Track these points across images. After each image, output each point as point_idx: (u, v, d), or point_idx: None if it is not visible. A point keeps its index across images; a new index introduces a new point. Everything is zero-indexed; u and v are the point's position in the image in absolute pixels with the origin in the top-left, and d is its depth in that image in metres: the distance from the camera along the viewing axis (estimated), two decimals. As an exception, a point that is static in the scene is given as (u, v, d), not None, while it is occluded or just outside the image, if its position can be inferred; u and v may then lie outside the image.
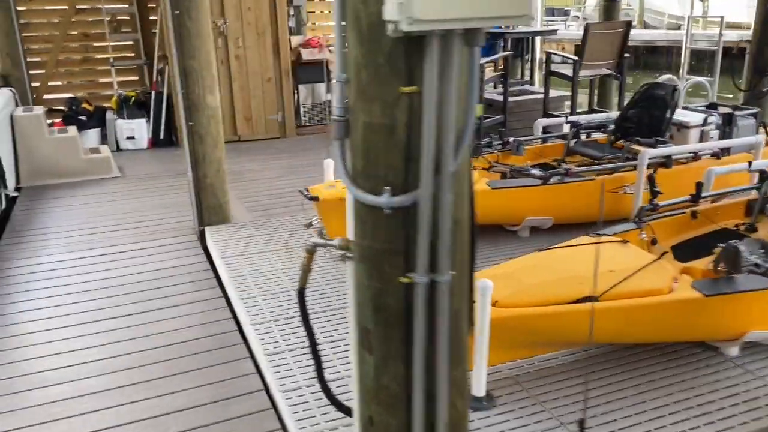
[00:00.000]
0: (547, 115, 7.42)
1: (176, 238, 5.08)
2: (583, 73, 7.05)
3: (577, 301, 2.96)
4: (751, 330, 3.21)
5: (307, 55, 8.51)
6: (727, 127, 5.43)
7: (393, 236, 1.55)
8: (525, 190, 4.61)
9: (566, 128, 5.74)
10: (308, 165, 6.99)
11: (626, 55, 7.21)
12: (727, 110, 5.61)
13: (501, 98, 7.35)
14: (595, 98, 8.43)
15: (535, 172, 4.96)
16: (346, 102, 1.57)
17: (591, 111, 7.62)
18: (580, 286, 3.01)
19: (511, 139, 5.40)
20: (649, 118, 5.36)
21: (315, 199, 4.32)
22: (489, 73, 7.76)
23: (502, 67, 7.59)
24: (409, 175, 1.50)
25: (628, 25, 7.07)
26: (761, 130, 5.57)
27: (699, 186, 4.02)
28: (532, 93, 8.20)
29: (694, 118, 5.35)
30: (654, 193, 3.93)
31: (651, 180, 3.95)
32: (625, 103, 8.12)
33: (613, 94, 8.87)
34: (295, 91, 8.43)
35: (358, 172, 1.57)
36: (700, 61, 11.42)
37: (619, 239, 3.56)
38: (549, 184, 4.64)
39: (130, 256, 4.74)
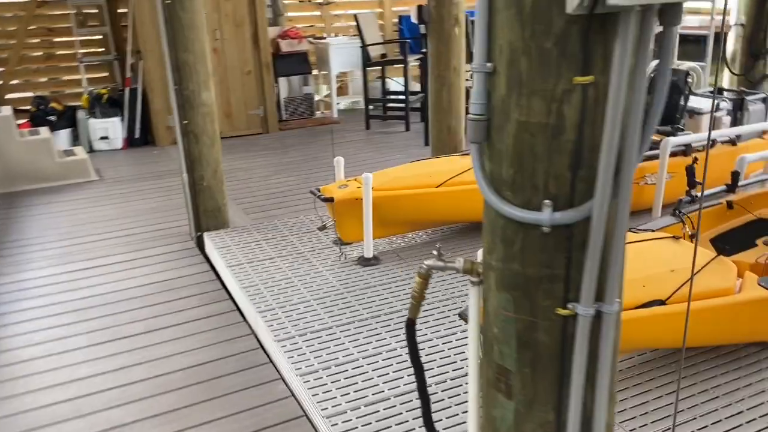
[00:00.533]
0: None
1: (171, 246, 4.70)
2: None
3: (644, 305, 2.77)
4: None
5: (286, 46, 8.13)
6: (738, 112, 5.31)
7: (551, 260, 1.27)
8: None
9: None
10: (299, 161, 6.66)
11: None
12: (735, 95, 5.49)
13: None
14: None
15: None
16: (488, 98, 1.29)
17: None
18: (644, 289, 2.82)
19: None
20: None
21: (329, 200, 4.02)
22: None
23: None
24: (577, 185, 1.23)
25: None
26: (771, 114, 5.47)
27: (735, 175, 3.85)
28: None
29: (706, 104, 5.20)
30: (693, 184, 3.75)
31: (690, 171, 3.76)
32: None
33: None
34: (275, 85, 8.05)
35: (505, 182, 1.29)
36: (681, 45, 11.32)
37: (669, 235, 3.36)
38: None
39: (124, 268, 4.35)
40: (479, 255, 3.04)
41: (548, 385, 1.36)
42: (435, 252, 1.57)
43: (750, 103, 5.30)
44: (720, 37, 7.53)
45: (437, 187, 4.21)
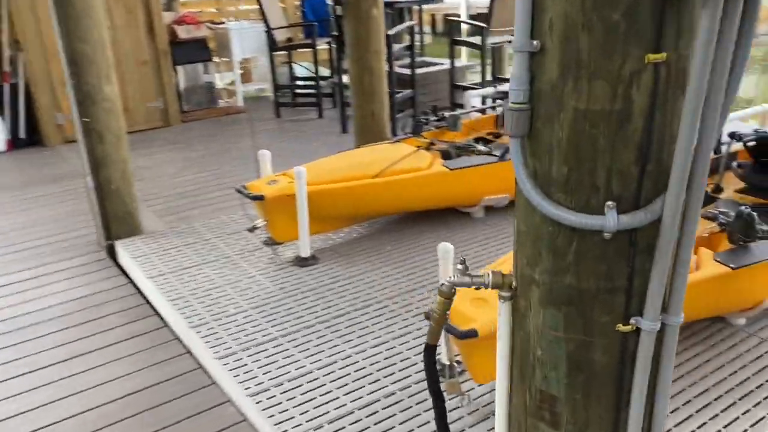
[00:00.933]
0: (454, 87, 7.14)
1: (80, 258, 4.22)
2: (491, 40, 6.81)
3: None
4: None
5: (183, 33, 7.60)
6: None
7: (612, 270, 1.09)
8: (483, 169, 4.27)
9: (474, 102, 5.54)
10: (208, 155, 6.23)
11: (531, 19, 7.05)
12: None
13: (408, 71, 6.95)
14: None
15: (481, 147, 4.65)
16: (531, 82, 1.08)
17: (495, 80, 7.44)
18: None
19: (447, 114, 5.03)
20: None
21: (259, 198, 3.71)
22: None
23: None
24: (645, 183, 1.05)
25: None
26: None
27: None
28: (433, 65, 7.88)
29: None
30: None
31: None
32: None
33: (507, 62, 8.76)
34: (174, 74, 7.52)
35: (556, 182, 1.09)
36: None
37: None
38: (505, 160, 4.33)
39: (29, 287, 3.85)
40: (443, 251, 2.87)
41: (603, 410, 1.19)
42: (460, 266, 1.35)
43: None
44: None
45: (375, 177, 3.99)
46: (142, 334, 3.35)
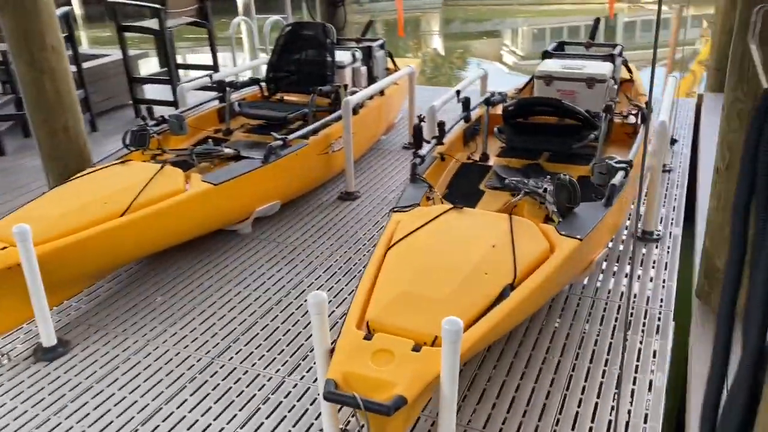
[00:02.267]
0: (133, 80, 6.05)
1: None
2: (171, 23, 5.89)
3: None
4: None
5: None
6: (370, 60, 5.22)
7: None
8: (250, 177, 3.55)
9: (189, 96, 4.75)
10: None
11: (208, -2, 6.30)
12: (356, 45, 5.40)
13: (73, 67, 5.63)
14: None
15: (228, 151, 3.91)
16: None
17: (178, 67, 6.51)
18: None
19: (168, 116, 4.11)
20: (308, 64, 4.75)
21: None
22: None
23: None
24: None
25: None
26: (388, 59, 5.56)
27: (441, 125, 3.70)
28: (96, 57, 6.57)
29: (344, 56, 4.96)
30: (420, 144, 3.44)
31: (419, 131, 3.42)
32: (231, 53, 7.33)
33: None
34: None
35: None
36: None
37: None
38: (270, 162, 3.68)
39: None
40: (316, 305, 2.16)
41: None
42: None
43: (374, 50, 5.27)
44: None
45: (124, 215, 2.99)
46: None
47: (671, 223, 3.81)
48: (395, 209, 2.98)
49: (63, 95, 3.94)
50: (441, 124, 3.67)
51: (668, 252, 3.50)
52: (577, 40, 5.68)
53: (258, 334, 2.87)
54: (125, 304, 3.13)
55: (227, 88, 4.55)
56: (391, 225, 2.82)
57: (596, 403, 2.42)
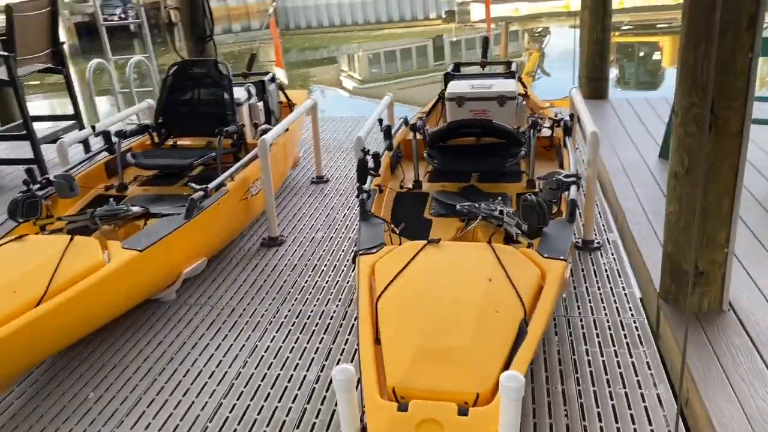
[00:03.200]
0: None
1: None
2: (23, 70, 5.19)
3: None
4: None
5: None
6: (264, 95, 4.90)
7: None
8: (176, 236, 3.12)
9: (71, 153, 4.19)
10: None
11: (63, 41, 5.63)
12: (245, 80, 5.06)
13: None
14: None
15: (136, 209, 3.44)
16: None
17: (76, 118, 5.75)
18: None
19: (52, 177, 3.54)
20: (203, 104, 4.34)
21: None
22: None
23: None
24: None
25: (55, 3, 5.45)
26: (279, 92, 5.27)
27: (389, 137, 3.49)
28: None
29: (240, 93, 4.60)
30: (365, 179, 3.21)
31: (364, 166, 3.18)
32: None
33: (11, 103, 6.91)
34: None
35: None
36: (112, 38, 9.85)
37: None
38: (192, 216, 3.26)
39: None
40: (344, 381, 1.83)
41: None
42: None
43: (266, 84, 4.96)
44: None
45: (41, 302, 2.47)
46: None
47: (603, 230, 3.87)
48: (361, 252, 2.72)
49: None
50: (376, 155, 3.46)
51: (614, 258, 3.53)
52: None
53: (227, 417, 2.48)
54: (51, 410, 2.58)
55: (117, 139, 4.03)
56: (364, 271, 2.57)
57: (618, 428, 2.32)
